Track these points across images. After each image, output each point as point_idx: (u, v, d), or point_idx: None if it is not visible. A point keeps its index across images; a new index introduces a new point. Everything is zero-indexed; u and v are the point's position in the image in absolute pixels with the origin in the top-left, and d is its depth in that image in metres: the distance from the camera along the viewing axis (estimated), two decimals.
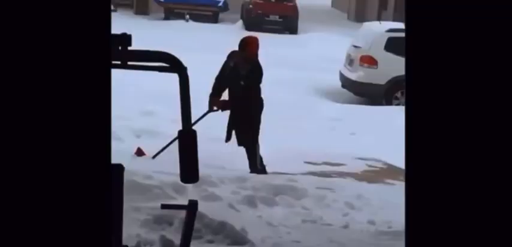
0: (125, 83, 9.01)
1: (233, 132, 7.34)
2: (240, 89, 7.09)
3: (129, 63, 2.62)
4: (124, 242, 2.94)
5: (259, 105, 7.23)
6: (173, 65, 2.64)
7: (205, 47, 16.22)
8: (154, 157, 7.60)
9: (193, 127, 2.73)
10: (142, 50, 2.64)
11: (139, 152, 7.91)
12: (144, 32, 14.82)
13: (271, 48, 17.82)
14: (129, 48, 2.57)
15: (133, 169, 6.35)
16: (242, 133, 7.28)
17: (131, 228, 5.38)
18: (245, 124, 7.23)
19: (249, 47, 7.16)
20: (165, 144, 7.41)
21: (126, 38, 2.56)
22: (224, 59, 7.45)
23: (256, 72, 7.12)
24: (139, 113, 9.72)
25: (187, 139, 2.69)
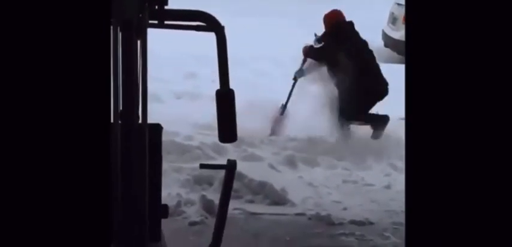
0: (166, 45, 9.04)
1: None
2: None
3: (166, 22, 2.61)
4: (164, 202, 2.96)
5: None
6: (210, 24, 2.62)
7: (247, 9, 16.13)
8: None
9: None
10: (179, 9, 2.63)
11: None
12: None
13: (310, 6, 17.64)
14: (166, 7, 2.56)
15: (173, 130, 6.39)
16: None
17: (172, 188, 5.44)
18: None
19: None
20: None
21: None
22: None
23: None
24: (181, 75, 9.75)
25: (225, 99, 2.69)
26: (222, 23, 2.68)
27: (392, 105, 8.50)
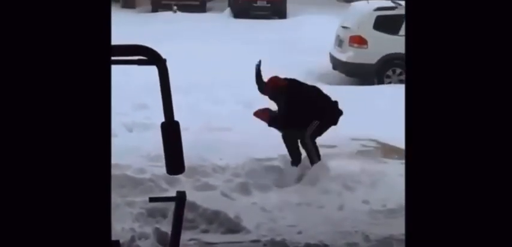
0: (115, 77, 8.95)
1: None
2: None
3: None
4: (118, 237, 2.93)
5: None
6: (151, 57, 2.62)
7: (195, 37, 16.18)
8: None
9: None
10: (119, 44, 2.62)
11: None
12: (131, 26, 14.73)
13: (260, 34, 17.79)
14: None
15: (126, 163, 6.34)
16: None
17: (125, 222, 5.39)
18: None
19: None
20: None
21: None
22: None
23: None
24: (132, 106, 9.67)
25: (170, 131, 2.69)
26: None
27: (342, 124, 8.63)
